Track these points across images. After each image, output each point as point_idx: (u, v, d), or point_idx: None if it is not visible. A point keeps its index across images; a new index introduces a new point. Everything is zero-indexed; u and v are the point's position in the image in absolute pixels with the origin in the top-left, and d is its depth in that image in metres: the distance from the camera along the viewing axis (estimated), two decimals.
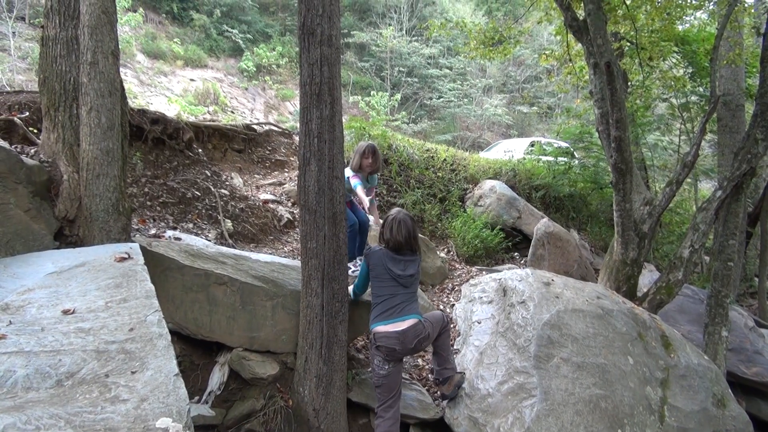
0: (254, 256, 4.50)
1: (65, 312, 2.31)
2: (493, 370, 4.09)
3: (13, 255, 3.19)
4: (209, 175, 6.61)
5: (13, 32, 15.46)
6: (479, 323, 4.79)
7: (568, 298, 4.53)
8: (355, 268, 4.88)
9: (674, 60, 10.20)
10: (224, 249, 4.53)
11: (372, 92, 21.76)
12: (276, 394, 3.85)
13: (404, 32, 26.86)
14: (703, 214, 6.00)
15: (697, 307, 6.69)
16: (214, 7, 23.19)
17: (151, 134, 6.26)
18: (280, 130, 9.89)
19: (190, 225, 5.60)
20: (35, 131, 5.02)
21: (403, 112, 22.78)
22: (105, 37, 3.62)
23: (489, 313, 4.84)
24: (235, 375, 3.91)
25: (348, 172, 4.82)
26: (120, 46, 4.18)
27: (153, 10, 21.84)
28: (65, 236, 3.74)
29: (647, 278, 7.62)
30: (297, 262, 4.54)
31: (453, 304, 5.72)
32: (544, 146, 12.06)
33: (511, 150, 12.36)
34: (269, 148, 9.05)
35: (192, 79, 19.67)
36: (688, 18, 10.20)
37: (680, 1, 8.40)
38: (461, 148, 14.75)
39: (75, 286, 2.59)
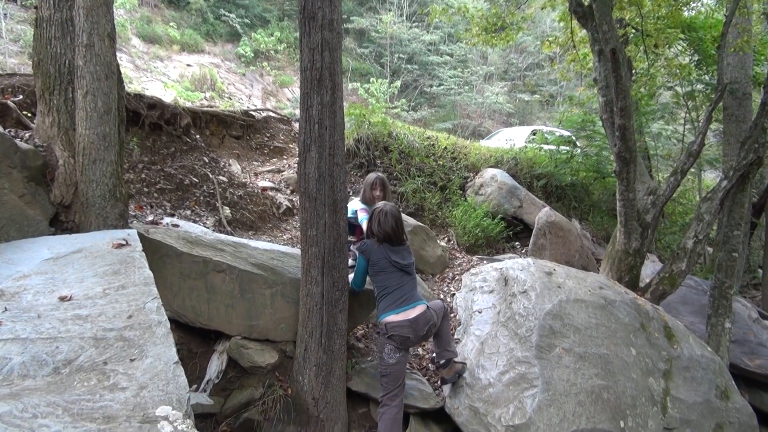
0: (253, 243, 4.48)
1: (62, 299, 2.30)
2: (495, 359, 4.10)
3: (8, 241, 3.17)
4: (207, 161, 6.58)
5: (5, 14, 15.31)
6: (480, 313, 4.79)
7: (570, 288, 4.53)
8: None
9: (680, 47, 10.16)
10: (222, 236, 4.51)
11: (371, 79, 21.62)
12: (275, 383, 3.86)
13: (404, 18, 26.69)
14: (707, 204, 5.99)
15: (701, 299, 6.70)
16: None
17: (147, 120, 6.22)
18: (278, 116, 9.84)
19: (188, 212, 5.58)
20: (29, 115, 4.97)
21: (403, 100, 22.66)
22: (101, 18, 3.57)
23: (490, 303, 4.84)
24: (233, 363, 3.91)
25: (356, 204, 4.76)
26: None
27: None
28: (61, 222, 3.72)
29: (650, 269, 7.62)
30: (296, 250, 4.52)
31: (453, 294, 5.72)
32: (546, 135, 12.02)
33: (512, 138, 12.31)
34: (267, 135, 9.00)
35: (189, 65, 19.54)
36: (694, 4, 10.13)
37: None
38: (462, 136, 14.68)
39: (72, 272, 2.58)
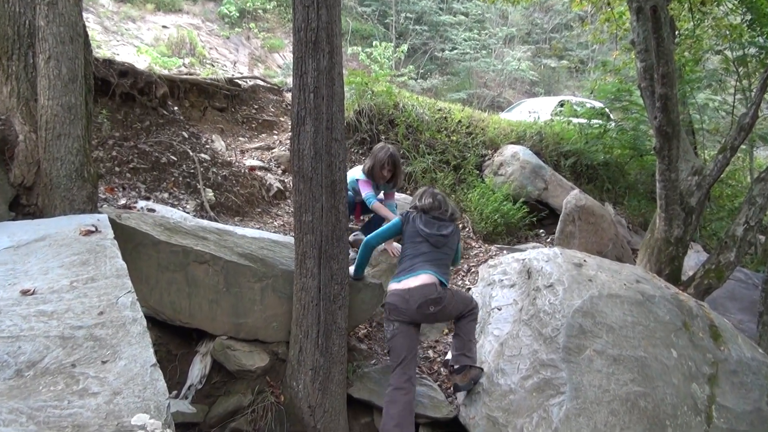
0: (240, 230, 4.49)
1: (24, 292, 2.31)
2: (516, 363, 4.11)
3: None
4: (187, 137, 6.58)
5: None
6: (499, 310, 4.79)
7: (603, 282, 4.52)
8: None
9: (730, 5, 10.02)
10: (205, 222, 4.53)
11: (374, 42, 21.43)
12: (266, 389, 3.88)
13: None
14: (761, 185, 5.96)
15: (751, 294, 6.69)
16: None
17: (119, 89, 6.21)
18: (268, 85, 9.82)
19: (166, 194, 5.59)
20: None
21: (411, 66, 22.49)
22: None
23: (511, 299, 4.84)
24: (218, 367, 3.94)
25: (357, 171, 4.73)
26: None
27: None
28: (22, 206, 3.73)
29: (693, 260, 7.60)
30: (289, 239, 4.53)
31: (469, 288, 5.73)
32: (575, 106, 11.94)
33: (536, 111, 12.22)
34: (255, 107, 8.99)
35: (164, 26, 19.43)
36: None
37: None
38: (478, 108, 14.62)
39: (35, 263, 2.58)
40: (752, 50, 9.79)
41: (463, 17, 26.26)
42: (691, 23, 9.54)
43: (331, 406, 3.83)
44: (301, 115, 3.69)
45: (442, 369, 4.65)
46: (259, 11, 22.84)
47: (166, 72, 8.75)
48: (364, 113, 8.14)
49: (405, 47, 22.56)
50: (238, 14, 22.07)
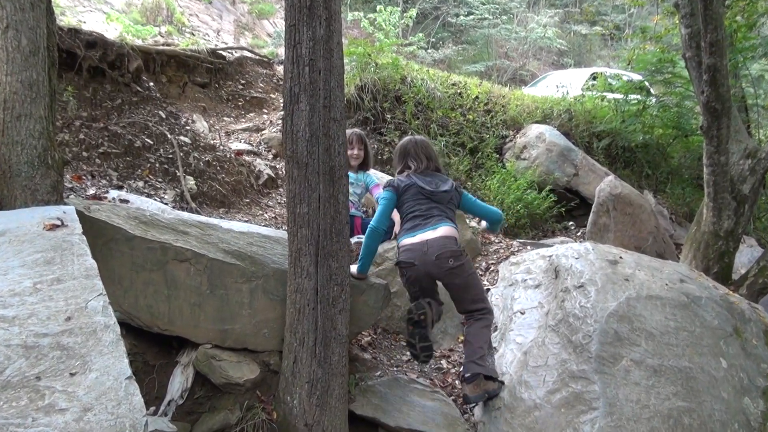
0: (225, 224, 4.49)
1: None
2: (542, 374, 4.11)
3: None
4: (164, 117, 6.58)
5: None
6: (522, 314, 4.80)
7: (642, 282, 4.51)
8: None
9: None
10: (186, 215, 4.52)
11: (378, 7, 21.37)
12: (256, 405, 3.89)
13: None
14: None
15: None
16: None
17: (86, 62, 6.22)
18: (256, 57, 9.82)
19: (141, 183, 5.61)
20: None
21: (420, 34, 22.34)
22: None
23: (536, 301, 4.84)
24: (202, 379, 3.95)
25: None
26: None
27: None
28: None
29: (746, 256, 7.59)
30: (282, 233, 4.53)
31: (488, 289, 5.73)
32: (610, 79, 11.91)
33: (565, 85, 12.20)
34: (242, 82, 8.99)
35: None
36: None
37: None
38: (498, 82, 14.59)
39: None
40: None
41: None
42: None
43: (330, 424, 3.83)
44: (295, 92, 3.67)
45: (456, 381, 4.66)
46: None
47: (140, 42, 8.75)
48: (366, 89, 8.13)
49: (414, 12, 22.43)
50: None
